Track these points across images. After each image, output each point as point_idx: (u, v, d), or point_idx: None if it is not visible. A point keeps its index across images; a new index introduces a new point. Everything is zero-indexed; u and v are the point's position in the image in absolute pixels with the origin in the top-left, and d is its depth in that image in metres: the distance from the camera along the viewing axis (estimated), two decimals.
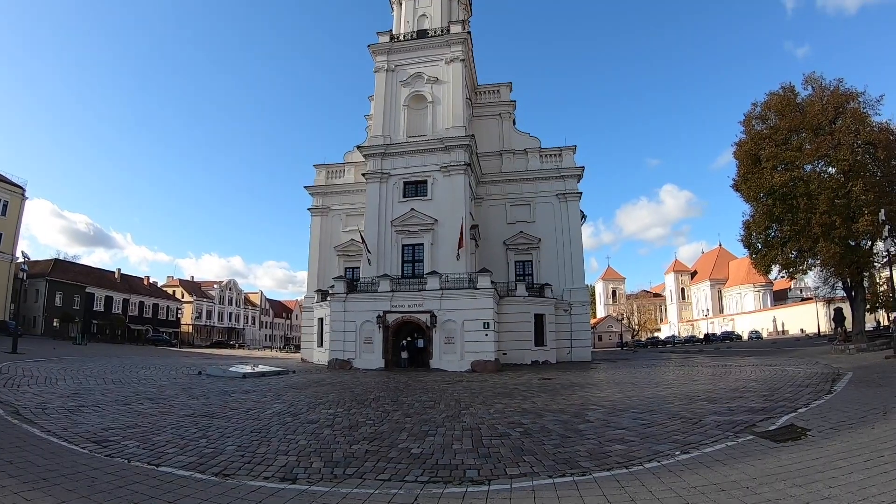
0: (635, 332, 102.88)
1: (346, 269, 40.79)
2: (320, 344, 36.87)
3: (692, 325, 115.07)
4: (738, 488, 6.00)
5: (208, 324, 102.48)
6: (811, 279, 47.11)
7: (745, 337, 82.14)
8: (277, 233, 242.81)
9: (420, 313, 29.92)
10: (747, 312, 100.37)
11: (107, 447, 8.61)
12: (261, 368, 25.22)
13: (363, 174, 37.53)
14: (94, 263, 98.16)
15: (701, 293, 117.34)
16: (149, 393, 15.69)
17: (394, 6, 42.57)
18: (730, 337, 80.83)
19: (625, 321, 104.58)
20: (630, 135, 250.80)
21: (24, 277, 35.68)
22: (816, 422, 9.66)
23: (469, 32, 38.63)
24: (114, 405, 13.06)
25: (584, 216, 40.88)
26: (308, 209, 44.22)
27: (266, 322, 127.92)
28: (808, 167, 29.14)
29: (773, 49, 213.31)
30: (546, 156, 41.13)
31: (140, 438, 9.30)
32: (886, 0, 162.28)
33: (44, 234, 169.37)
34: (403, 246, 34.93)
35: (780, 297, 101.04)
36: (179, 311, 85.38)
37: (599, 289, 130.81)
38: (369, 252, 34.21)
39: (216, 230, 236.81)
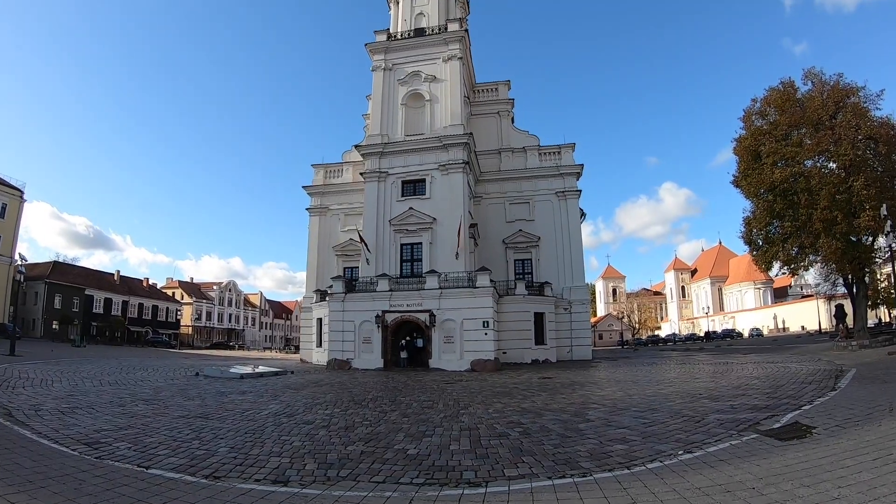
0: (636, 331, 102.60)
1: (344, 268, 40.61)
2: (319, 344, 36.67)
3: (693, 323, 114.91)
4: (743, 489, 5.80)
5: (208, 325, 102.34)
6: (812, 276, 46.87)
7: (746, 335, 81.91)
8: (277, 234, 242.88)
9: (419, 313, 29.73)
10: (748, 310, 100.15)
11: (97, 449, 8.46)
12: (260, 369, 25.08)
13: (361, 173, 37.38)
14: (94, 266, 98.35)
15: (701, 291, 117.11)
16: (144, 394, 15.52)
17: (391, 5, 42.45)
18: (730, 335, 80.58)
19: (625, 320, 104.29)
20: (629, 134, 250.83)
21: (22, 280, 35.48)
22: (821, 419, 9.45)
23: (466, 31, 38.48)
24: (108, 407, 12.90)
25: (583, 214, 40.70)
26: (306, 209, 44.05)
27: (266, 323, 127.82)
28: (809, 163, 28.96)
29: (772, 47, 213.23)
30: (545, 154, 40.92)
31: (132, 440, 9.14)
32: None
33: (43, 236, 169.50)
34: (402, 245, 34.78)
35: (780, 295, 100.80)
36: (179, 313, 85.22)
37: (600, 287, 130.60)
38: (368, 251, 34.04)
39: (216, 231, 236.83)
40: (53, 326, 65.92)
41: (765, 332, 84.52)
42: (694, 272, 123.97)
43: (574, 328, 36.49)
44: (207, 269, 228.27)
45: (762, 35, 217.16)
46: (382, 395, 16.05)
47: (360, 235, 35.23)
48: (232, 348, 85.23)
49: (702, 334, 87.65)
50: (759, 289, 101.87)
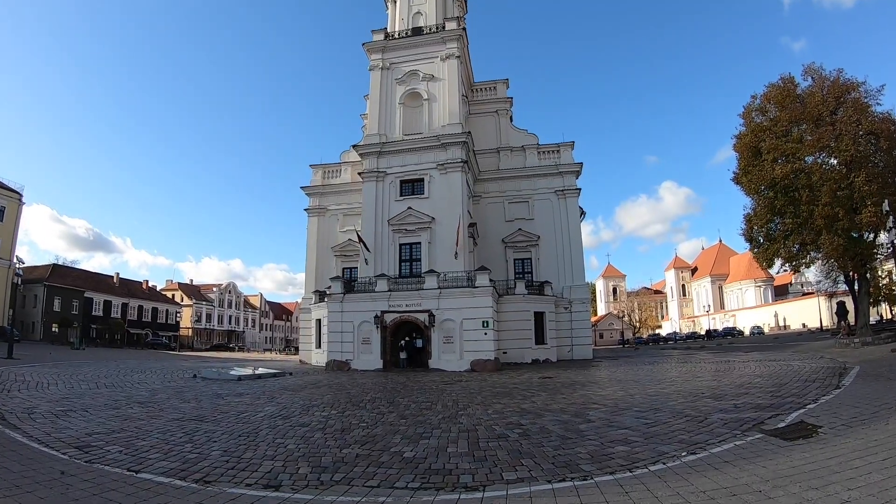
0: (636, 330, 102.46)
1: (343, 269, 40.40)
2: (318, 345, 36.48)
3: (693, 321, 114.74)
4: (750, 492, 5.61)
5: (208, 327, 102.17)
6: (812, 273, 46.61)
7: (747, 332, 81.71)
8: (277, 235, 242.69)
9: (418, 313, 29.54)
10: (748, 308, 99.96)
11: (88, 453, 8.30)
12: (259, 371, 24.92)
13: (359, 173, 37.22)
14: (94, 268, 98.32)
15: (702, 289, 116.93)
16: (140, 397, 15.34)
17: (388, 4, 42.32)
18: (731, 333, 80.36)
19: (626, 318, 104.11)
20: (628, 133, 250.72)
21: (20, 282, 35.33)
22: (827, 418, 9.26)
23: (464, 29, 38.28)
24: (102, 409, 12.72)
25: (583, 213, 40.51)
26: (305, 210, 43.88)
27: (266, 324, 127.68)
28: (810, 159, 28.75)
29: (771, 45, 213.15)
30: (544, 152, 40.73)
31: (123, 443, 8.97)
32: None
33: (43, 239, 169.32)
34: (401, 245, 34.60)
35: (781, 293, 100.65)
36: (178, 315, 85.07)
37: (600, 286, 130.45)
38: (367, 251, 33.87)
39: (216, 233, 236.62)
40: (53, 329, 65.82)
41: (766, 329, 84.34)
42: (694, 270, 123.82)
43: (574, 327, 36.33)
44: (207, 271, 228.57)
45: (761, 33, 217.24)
46: (381, 397, 15.86)
47: (358, 236, 35.04)
48: (232, 350, 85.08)
49: (703, 333, 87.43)
50: (759, 287, 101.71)
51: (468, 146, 35.07)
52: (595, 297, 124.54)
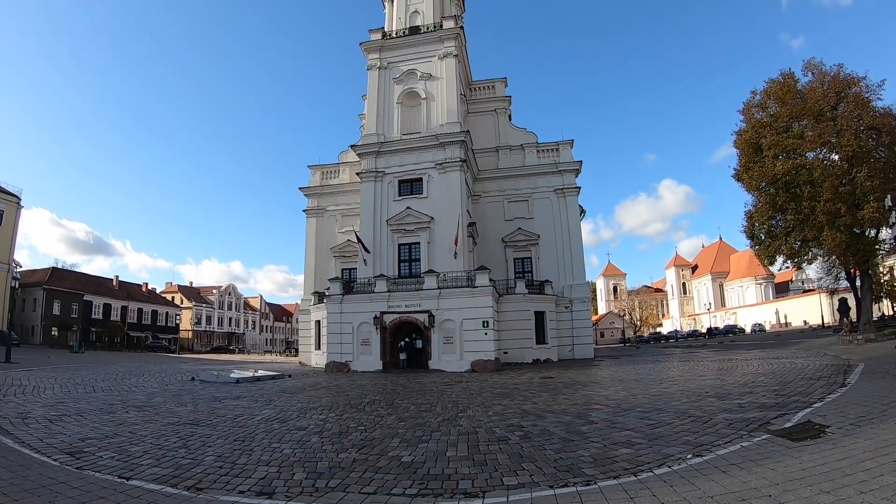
0: (637, 328, 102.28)
1: (342, 270, 40.21)
2: (318, 347, 36.30)
3: (694, 319, 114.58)
4: (759, 496, 5.40)
5: (208, 329, 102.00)
6: (813, 271, 46.38)
7: (748, 330, 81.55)
8: (277, 237, 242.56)
9: (418, 313, 29.36)
10: (749, 305, 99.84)
11: (79, 458, 8.11)
12: (261, 373, 24.74)
13: (358, 173, 37.04)
14: (94, 272, 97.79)
15: (702, 287, 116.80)
16: (136, 401, 15.15)
17: (385, 3, 42.13)
18: (733, 330, 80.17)
19: (626, 317, 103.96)
20: (626, 131, 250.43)
21: (17, 286, 35.14)
22: (834, 417, 9.05)
23: (462, 28, 38.09)
24: (97, 414, 12.54)
25: (583, 211, 40.35)
26: (303, 211, 43.69)
27: (266, 326, 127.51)
28: (811, 155, 28.49)
29: (769, 42, 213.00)
30: (543, 151, 40.56)
31: (116, 449, 8.78)
32: None
33: (43, 243, 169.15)
34: (400, 245, 34.42)
35: (781, 290, 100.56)
36: (178, 318, 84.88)
37: (600, 285, 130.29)
38: (366, 251, 33.68)
39: (215, 235, 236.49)
40: (52, 333, 65.69)
41: (767, 327, 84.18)
42: (695, 268, 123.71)
43: (575, 327, 36.15)
44: (208, 273, 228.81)
45: (759, 30, 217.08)
46: (380, 399, 15.67)
47: (357, 236, 34.85)
48: (232, 352, 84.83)
49: (704, 331, 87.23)
50: (760, 284, 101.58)
51: (467, 145, 34.88)
52: (595, 296, 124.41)
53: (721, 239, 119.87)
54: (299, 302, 44.97)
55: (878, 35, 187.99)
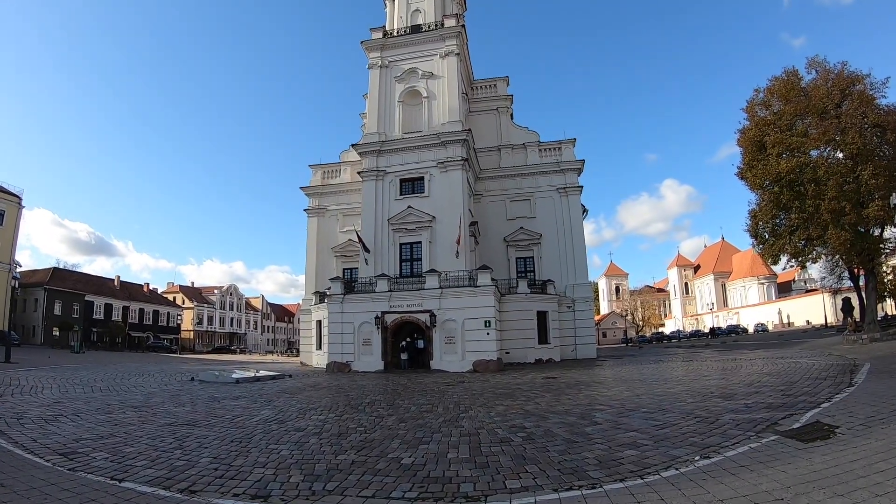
0: (639, 328, 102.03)
1: (344, 269, 40.01)
2: (319, 347, 36.12)
3: (696, 319, 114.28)
4: (771, 500, 5.21)
5: (209, 329, 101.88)
6: (816, 270, 46.15)
7: (751, 330, 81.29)
8: (278, 237, 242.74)
9: (419, 313, 29.18)
10: (752, 305, 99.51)
11: (73, 459, 7.97)
12: (261, 374, 24.58)
13: (359, 172, 36.87)
14: (96, 272, 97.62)
15: (705, 287, 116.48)
16: (134, 401, 14.99)
17: (387, 2, 41.95)
18: (735, 330, 79.90)
19: (629, 317, 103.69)
20: (627, 131, 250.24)
21: (17, 286, 35.02)
22: (843, 418, 8.85)
23: (463, 26, 37.88)
24: (94, 414, 12.40)
25: (585, 210, 40.11)
26: (304, 210, 43.50)
27: (268, 326, 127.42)
28: (815, 152, 28.28)
29: (770, 41, 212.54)
30: (545, 150, 40.32)
31: (111, 450, 8.62)
32: None
33: (45, 243, 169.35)
34: (401, 245, 34.22)
35: (784, 290, 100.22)
36: (179, 318, 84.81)
37: (602, 285, 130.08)
38: (366, 251, 33.51)
39: (217, 236, 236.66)
40: (54, 333, 65.66)
41: (770, 327, 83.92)
42: (697, 268, 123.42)
43: (578, 326, 35.92)
44: (209, 274, 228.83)
45: (760, 29, 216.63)
46: (380, 399, 15.49)
47: (358, 235, 34.68)
48: (234, 352, 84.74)
49: (706, 330, 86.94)
50: (762, 284, 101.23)
51: (468, 144, 34.68)
52: (598, 296, 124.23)
53: (723, 239, 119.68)
54: (300, 302, 44.80)
55: (880, 35, 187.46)
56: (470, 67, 42.39)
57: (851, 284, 36.24)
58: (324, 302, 32.98)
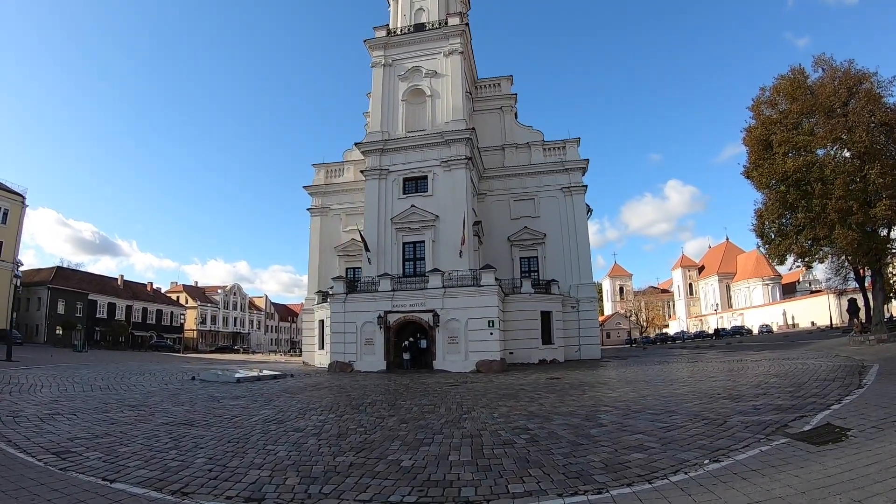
0: (643, 329, 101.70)
1: (347, 269, 39.90)
2: (321, 346, 36.01)
3: (701, 320, 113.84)
4: None
5: (213, 329, 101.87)
6: (821, 271, 45.83)
7: (756, 331, 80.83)
8: (282, 237, 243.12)
9: (422, 313, 29.00)
10: (756, 306, 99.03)
11: (65, 459, 7.81)
12: (266, 373, 24.45)
13: (362, 171, 36.69)
14: (100, 271, 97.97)
15: (709, 288, 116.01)
16: (132, 400, 14.85)
17: (390, 1, 41.77)
18: (740, 331, 79.44)
19: (633, 318, 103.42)
20: (631, 131, 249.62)
21: (19, 284, 34.96)
22: (855, 420, 8.60)
23: (467, 25, 37.70)
24: (91, 413, 12.26)
25: (590, 210, 39.87)
26: (307, 209, 43.39)
27: (272, 326, 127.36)
28: (822, 151, 28.00)
29: (774, 41, 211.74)
30: (549, 149, 40.10)
31: (105, 449, 8.46)
32: None
33: (49, 243, 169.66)
34: (404, 244, 33.98)
35: (789, 291, 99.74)
36: (182, 317, 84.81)
37: (606, 286, 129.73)
38: (367, 250, 33.34)
39: (221, 236, 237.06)
40: (57, 332, 65.67)
41: (774, 328, 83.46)
42: (701, 269, 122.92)
43: (582, 327, 35.67)
44: (213, 274, 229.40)
45: (764, 29, 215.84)
46: (382, 399, 15.30)
47: (360, 234, 34.50)
48: (237, 352, 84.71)
49: (711, 331, 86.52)
50: (767, 285, 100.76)
51: (472, 142, 34.47)
52: (602, 296, 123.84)
53: (728, 239, 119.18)
54: (303, 301, 44.68)
55: (885, 34, 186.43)
56: (474, 66, 42.20)
57: (856, 285, 35.95)
58: (326, 301, 32.82)
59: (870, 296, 32.32)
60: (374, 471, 7.12)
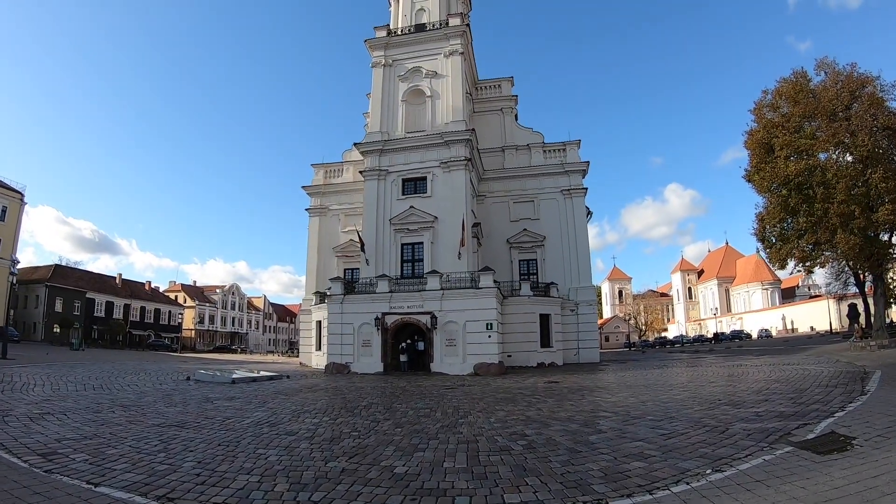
0: (642, 333, 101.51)
1: (345, 270, 39.67)
2: (319, 347, 35.74)
3: (700, 324, 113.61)
4: None
5: (211, 328, 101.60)
6: (821, 276, 45.65)
7: (755, 336, 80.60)
8: (282, 237, 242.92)
9: (420, 314, 28.77)
10: (756, 311, 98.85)
11: (51, 461, 7.63)
12: (261, 374, 24.25)
13: (361, 172, 36.48)
14: (100, 270, 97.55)
15: (708, 292, 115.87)
16: (125, 400, 14.65)
17: (391, 1, 41.63)
18: (739, 336, 79.17)
19: (632, 321, 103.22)
20: (632, 134, 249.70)
21: (14, 282, 34.71)
22: (860, 428, 8.42)
23: (468, 26, 37.51)
24: (82, 413, 12.06)
25: (589, 213, 39.66)
26: (306, 210, 43.18)
27: (270, 326, 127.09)
28: (824, 155, 27.88)
29: (776, 45, 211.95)
30: (550, 151, 39.91)
31: (92, 451, 8.28)
32: None
33: (49, 241, 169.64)
34: (403, 245, 33.75)
35: (788, 295, 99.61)
36: (180, 316, 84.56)
37: (606, 289, 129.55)
38: (362, 251, 33.14)
39: (221, 236, 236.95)
40: (54, 330, 65.40)
41: (773, 332, 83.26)
42: (700, 273, 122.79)
43: (581, 330, 35.45)
44: (213, 273, 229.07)
45: (766, 33, 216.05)
46: (377, 402, 15.08)
47: (358, 235, 34.29)
48: (234, 352, 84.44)
49: (710, 336, 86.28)
50: (766, 289, 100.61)
51: (472, 144, 34.28)
52: (601, 300, 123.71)
53: (727, 244, 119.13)
54: (301, 302, 44.45)
55: (887, 39, 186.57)
56: (474, 67, 42.04)
57: (856, 290, 35.75)
58: (324, 302, 32.60)
59: (870, 301, 32.14)
60: (367, 477, 6.91)
